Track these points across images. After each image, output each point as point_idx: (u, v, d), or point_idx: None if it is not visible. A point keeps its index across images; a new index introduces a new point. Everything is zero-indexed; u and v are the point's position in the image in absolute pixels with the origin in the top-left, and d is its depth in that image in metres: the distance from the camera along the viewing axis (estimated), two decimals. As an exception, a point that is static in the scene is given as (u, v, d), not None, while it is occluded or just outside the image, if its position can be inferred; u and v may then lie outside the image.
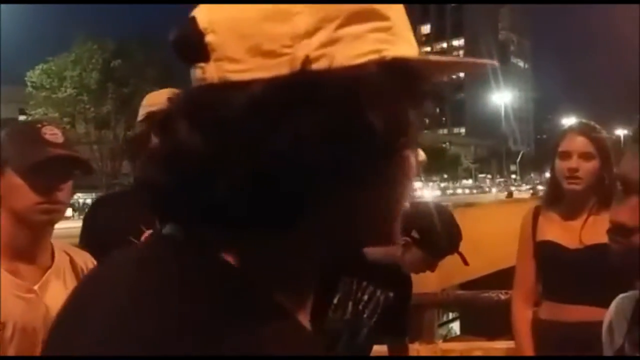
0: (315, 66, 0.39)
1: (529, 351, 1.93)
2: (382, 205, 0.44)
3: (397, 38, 0.43)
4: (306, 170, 0.38)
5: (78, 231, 1.74)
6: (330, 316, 1.83)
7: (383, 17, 0.42)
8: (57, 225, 1.27)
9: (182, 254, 0.42)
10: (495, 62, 0.55)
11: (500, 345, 3.20)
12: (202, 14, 0.42)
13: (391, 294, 1.89)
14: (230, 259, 0.41)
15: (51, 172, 1.19)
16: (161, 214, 0.45)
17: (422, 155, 0.49)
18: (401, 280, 1.94)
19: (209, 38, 0.41)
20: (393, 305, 1.91)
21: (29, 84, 30.05)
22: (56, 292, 1.21)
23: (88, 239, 1.65)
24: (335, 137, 0.38)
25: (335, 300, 1.84)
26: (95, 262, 1.35)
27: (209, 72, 0.41)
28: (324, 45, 0.40)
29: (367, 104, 0.39)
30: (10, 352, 1.12)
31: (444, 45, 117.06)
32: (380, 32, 0.42)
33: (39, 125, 1.23)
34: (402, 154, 0.44)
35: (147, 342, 0.37)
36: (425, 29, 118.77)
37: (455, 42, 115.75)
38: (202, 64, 0.41)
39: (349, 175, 0.40)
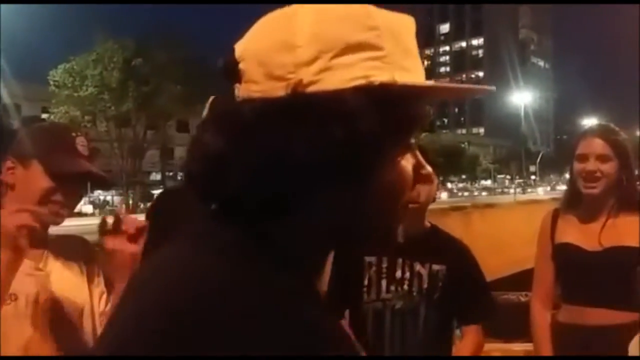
0: (312, 88, 0.49)
1: (547, 354, 1.91)
2: (368, 203, 0.53)
3: (389, 65, 0.51)
4: (295, 168, 0.49)
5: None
6: (366, 298, 1.81)
7: (376, 48, 0.51)
8: (77, 222, 1.33)
9: (219, 233, 0.53)
10: (493, 88, 0.60)
11: (519, 348, 3.17)
12: (238, 45, 0.54)
13: (439, 268, 1.80)
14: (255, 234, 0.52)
15: (75, 181, 1.29)
16: (200, 199, 0.55)
17: (427, 168, 0.60)
18: (452, 253, 1.84)
19: (241, 65, 0.53)
20: (456, 282, 1.80)
21: (51, 82, 30.52)
22: (55, 268, 1.32)
23: (153, 232, 1.65)
24: (318, 144, 0.49)
25: (365, 282, 1.82)
26: (89, 244, 1.45)
27: (240, 90, 0.53)
28: (321, 71, 0.50)
29: (347, 120, 0.49)
30: (27, 319, 1.23)
31: (463, 44, 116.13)
32: (373, 61, 0.51)
33: (74, 134, 1.32)
34: (387, 162, 0.53)
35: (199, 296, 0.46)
36: (444, 28, 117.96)
37: (475, 42, 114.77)
38: (237, 84, 0.54)
39: (331, 176, 0.50)
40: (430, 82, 0.55)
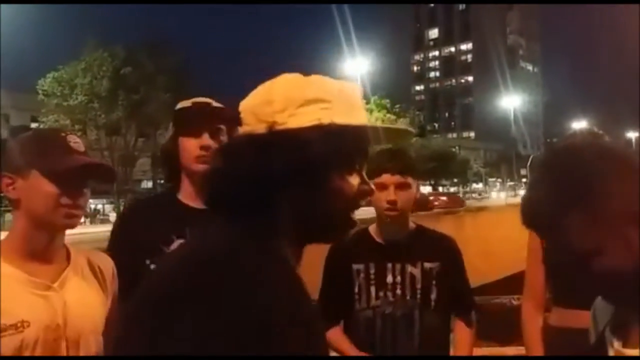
0: (282, 127, 0.76)
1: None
2: (321, 204, 0.78)
3: (335, 112, 0.78)
4: (269, 179, 0.74)
5: (90, 237, 1.74)
6: (358, 307, 1.82)
7: (326, 101, 0.79)
8: (68, 231, 1.29)
9: (225, 232, 0.76)
10: (412, 130, 0.88)
11: (512, 352, 3.18)
12: (241, 103, 0.83)
13: (431, 265, 1.81)
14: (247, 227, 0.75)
15: (78, 178, 1.24)
16: (212, 207, 0.81)
17: (370, 185, 0.85)
18: (441, 249, 1.87)
19: (241, 115, 0.82)
20: (450, 277, 1.83)
21: (40, 92, 30.27)
22: (75, 289, 1.24)
23: (119, 246, 1.62)
24: (285, 163, 0.73)
25: (356, 290, 1.82)
26: (112, 262, 1.38)
27: (240, 131, 0.82)
28: (289, 117, 0.77)
29: (303, 147, 0.74)
30: (37, 349, 1.15)
31: (452, 49, 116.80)
32: (323, 110, 0.78)
33: (63, 134, 1.27)
34: (335, 177, 0.78)
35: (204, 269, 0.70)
36: (433, 33, 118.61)
37: (463, 47, 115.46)
38: (239, 127, 0.82)
39: (295, 184, 0.75)
40: (362, 124, 0.81)
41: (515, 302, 2.90)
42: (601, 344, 0.96)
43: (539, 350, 1.91)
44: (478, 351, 3.68)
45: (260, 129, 0.77)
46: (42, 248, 1.23)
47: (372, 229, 1.90)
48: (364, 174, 0.83)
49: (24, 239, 1.22)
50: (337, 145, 0.76)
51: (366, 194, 0.82)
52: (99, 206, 37.74)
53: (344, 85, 0.83)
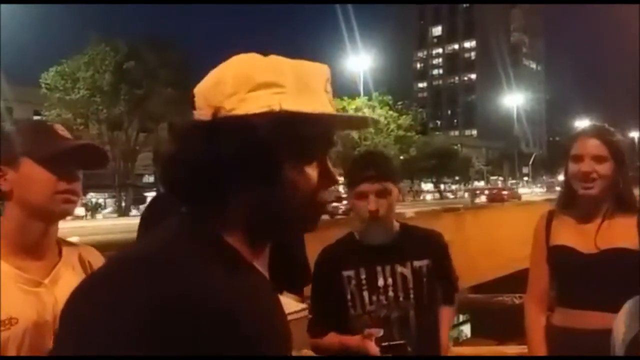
0: (231, 113, 0.71)
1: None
2: (277, 198, 0.72)
3: (288, 97, 0.71)
4: (216, 167, 0.70)
5: (90, 230, 1.74)
6: (353, 313, 1.80)
7: (279, 85, 0.72)
8: (70, 224, 1.28)
9: (182, 225, 0.75)
10: (370, 117, 0.81)
11: (512, 350, 3.17)
12: (196, 89, 0.77)
13: (420, 263, 1.81)
14: (207, 223, 0.73)
15: (71, 163, 1.22)
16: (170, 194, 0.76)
17: (334, 177, 0.78)
18: (428, 246, 1.87)
19: (195, 98, 0.76)
20: (439, 272, 1.85)
21: (43, 85, 30.30)
22: (66, 286, 1.20)
23: (143, 231, 1.60)
24: (233, 154, 0.69)
25: (348, 297, 1.81)
26: (102, 258, 1.35)
27: (194, 115, 0.76)
28: (238, 102, 0.71)
29: (249, 134, 0.69)
30: (24, 346, 1.13)
31: (456, 47, 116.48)
32: (276, 95, 0.71)
33: (49, 124, 1.27)
34: (290, 167, 0.72)
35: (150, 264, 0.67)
36: (437, 30, 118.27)
37: (467, 44, 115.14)
38: (194, 111, 0.76)
39: (244, 175, 0.70)
40: (318, 111, 0.73)
41: (517, 301, 2.89)
42: (635, 344, 0.94)
43: (542, 350, 1.89)
44: (478, 350, 3.68)
45: (209, 114, 0.72)
46: (35, 241, 1.21)
47: (358, 232, 1.88)
48: (328, 163, 0.77)
49: (16, 231, 1.19)
50: (288, 134, 0.70)
51: (328, 186, 0.76)
52: (100, 200, 37.79)
53: (303, 67, 0.76)
